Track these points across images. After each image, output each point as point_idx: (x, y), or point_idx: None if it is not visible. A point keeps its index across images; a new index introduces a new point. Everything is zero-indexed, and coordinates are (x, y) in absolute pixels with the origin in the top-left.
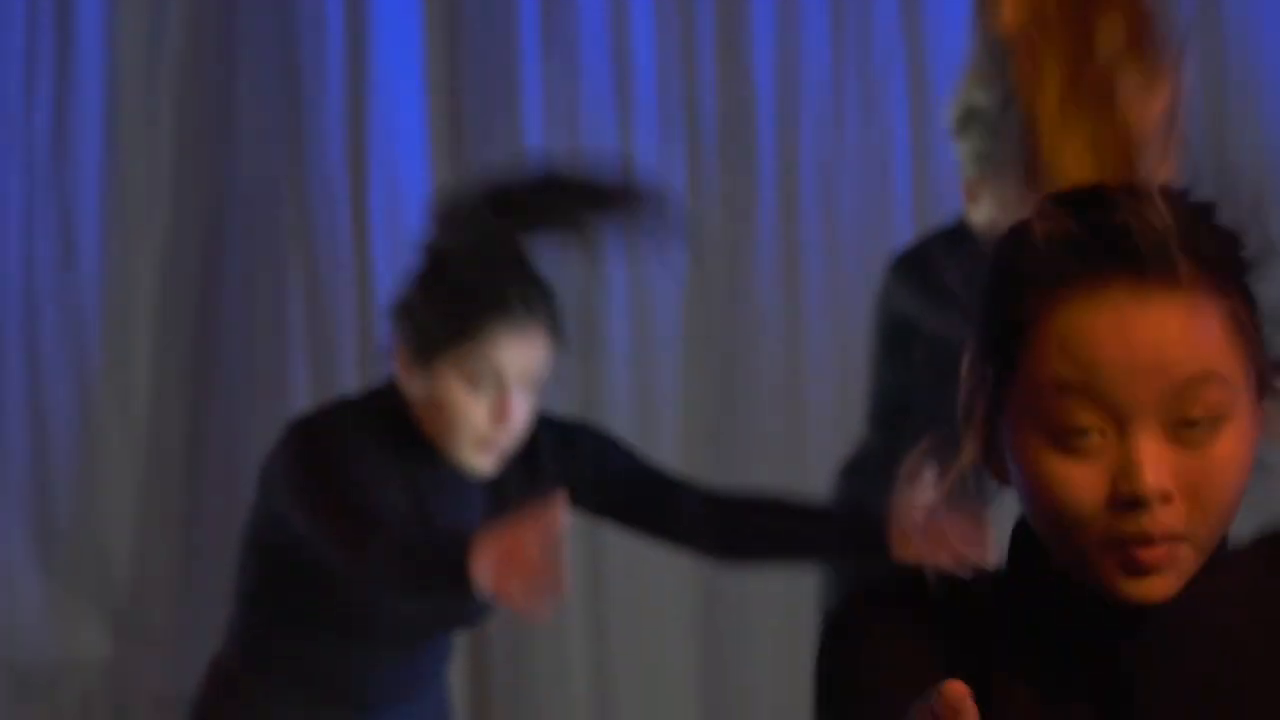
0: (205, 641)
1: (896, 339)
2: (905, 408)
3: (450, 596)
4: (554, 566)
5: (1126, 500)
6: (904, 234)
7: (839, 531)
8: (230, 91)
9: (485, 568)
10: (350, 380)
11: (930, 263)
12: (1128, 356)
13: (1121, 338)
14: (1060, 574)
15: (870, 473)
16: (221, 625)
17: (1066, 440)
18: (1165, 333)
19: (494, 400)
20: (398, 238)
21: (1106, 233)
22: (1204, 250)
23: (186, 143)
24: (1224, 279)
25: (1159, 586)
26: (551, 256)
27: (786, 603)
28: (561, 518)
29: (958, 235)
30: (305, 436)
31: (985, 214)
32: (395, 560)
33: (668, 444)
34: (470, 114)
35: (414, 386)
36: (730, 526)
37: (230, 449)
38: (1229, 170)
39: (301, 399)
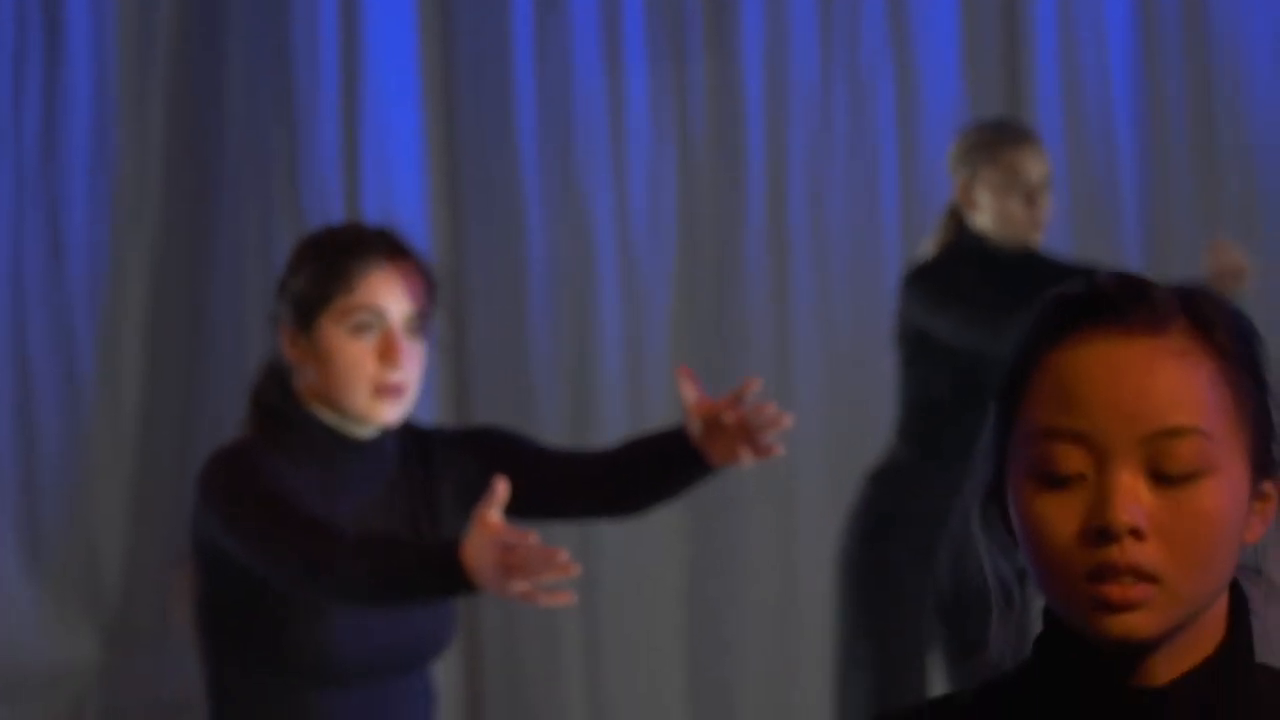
0: (194, 649)
1: (915, 350)
2: (932, 419)
3: (441, 601)
4: (547, 551)
5: (1097, 531)
6: (891, 236)
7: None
8: (221, 93)
9: (489, 574)
10: None
11: (942, 275)
12: (1111, 396)
13: (1105, 378)
14: (1085, 665)
15: (898, 480)
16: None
17: (1053, 481)
18: (1149, 378)
19: (379, 341)
20: None
21: (1102, 289)
22: (1203, 314)
23: (176, 144)
24: (1223, 346)
25: (1133, 624)
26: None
27: (774, 600)
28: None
29: (969, 248)
30: (221, 464)
31: (986, 219)
32: (369, 571)
33: None
34: (464, 111)
35: (302, 357)
36: (627, 478)
37: None
38: (1215, 171)
39: None
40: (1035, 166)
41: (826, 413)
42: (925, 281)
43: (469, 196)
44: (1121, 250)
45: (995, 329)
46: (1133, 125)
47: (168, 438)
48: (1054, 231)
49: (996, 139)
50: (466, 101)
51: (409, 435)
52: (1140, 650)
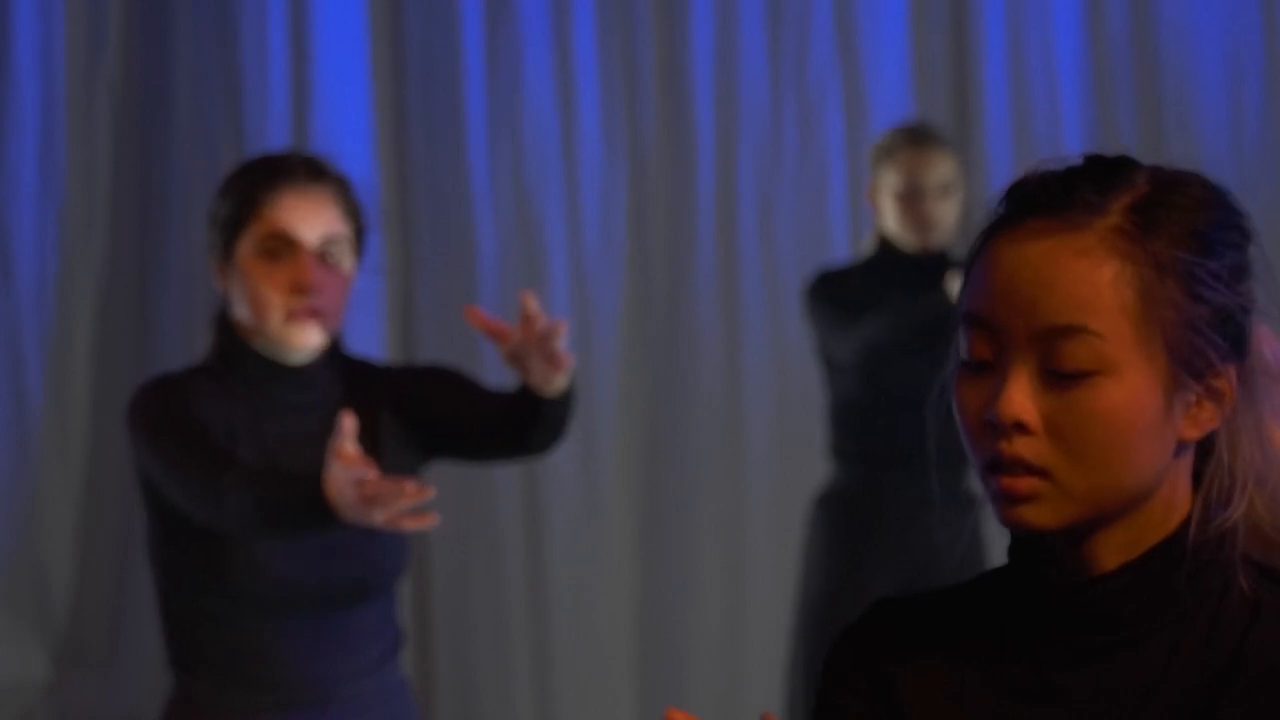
0: (142, 665)
1: (822, 360)
2: (858, 431)
3: (311, 534)
4: (396, 483)
5: (990, 424)
6: (840, 253)
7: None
8: (169, 113)
9: (350, 507)
10: None
11: (837, 286)
12: (1011, 290)
13: (1010, 271)
14: (1040, 557)
15: (841, 502)
16: (157, 651)
17: (970, 367)
18: (1046, 275)
19: (289, 266)
20: None
21: (1035, 181)
22: (1151, 213)
23: (124, 164)
24: (1152, 249)
25: (1027, 515)
26: (491, 277)
27: (722, 600)
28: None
29: (876, 254)
30: (145, 391)
31: (889, 222)
32: (251, 503)
33: (607, 457)
34: (414, 128)
35: (228, 286)
36: (517, 420)
37: None
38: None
39: None
40: (930, 169)
41: (776, 423)
42: (814, 293)
43: (419, 213)
44: None
45: (878, 336)
46: (1082, 140)
47: (116, 457)
48: None
49: (897, 143)
50: (417, 118)
51: (354, 367)
52: (1051, 540)
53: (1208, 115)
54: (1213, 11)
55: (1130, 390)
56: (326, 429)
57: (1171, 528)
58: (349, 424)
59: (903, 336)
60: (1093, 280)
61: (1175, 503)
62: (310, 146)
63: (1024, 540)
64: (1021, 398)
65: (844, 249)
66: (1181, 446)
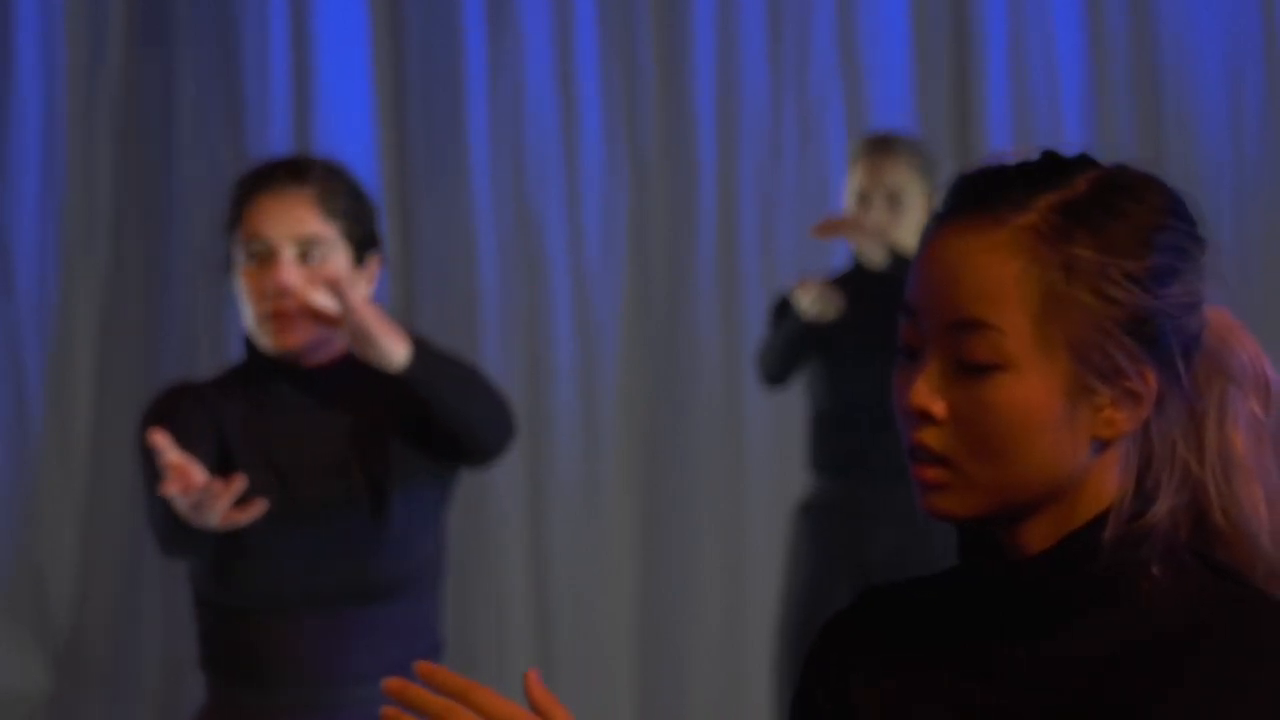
0: (144, 673)
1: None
2: (828, 440)
3: (188, 543)
4: (212, 486)
5: (902, 410)
6: (839, 256)
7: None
8: (170, 118)
9: (184, 511)
10: None
11: (786, 305)
12: (931, 281)
13: (931, 262)
14: (981, 543)
15: (819, 512)
16: (159, 660)
17: (903, 353)
18: (958, 269)
19: (269, 270)
20: None
21: (969, 177)
22: (1076, 213)
23: (125, 170)
24: (1065, 252)
25: (936, 502)
26: (492, 277)
27: (721, 603)
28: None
29: (849, 273)
30: (150, 404)
31: (866, 245)
32: (156, 520)
33: (607, 457)
34: (415, 138)
35: (239, 294)
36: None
37: None
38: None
39: None
40: (878, 177)
41: (776, 424)
42: (777, 302)
43: (419, 213)
44: None
45: (767, 356)
46: (1082, 141)
47: (118, 465)
48: None
49: (856, 153)
50: (417, 119)
51: (363, 366)
52: (986, 529)
53: (1208, 116)
54: (1213, 12)
55: (1028, 388)
56: (331, 424)
57: (1090, 517)
58: (160, 439)
59: (784, 360)
60: (998, 276)
61: (1100, 495)
62: (312, 149)
63: (967, 529)
64: (928, 388)
65: (843, 252)
66: (1104, 443)
